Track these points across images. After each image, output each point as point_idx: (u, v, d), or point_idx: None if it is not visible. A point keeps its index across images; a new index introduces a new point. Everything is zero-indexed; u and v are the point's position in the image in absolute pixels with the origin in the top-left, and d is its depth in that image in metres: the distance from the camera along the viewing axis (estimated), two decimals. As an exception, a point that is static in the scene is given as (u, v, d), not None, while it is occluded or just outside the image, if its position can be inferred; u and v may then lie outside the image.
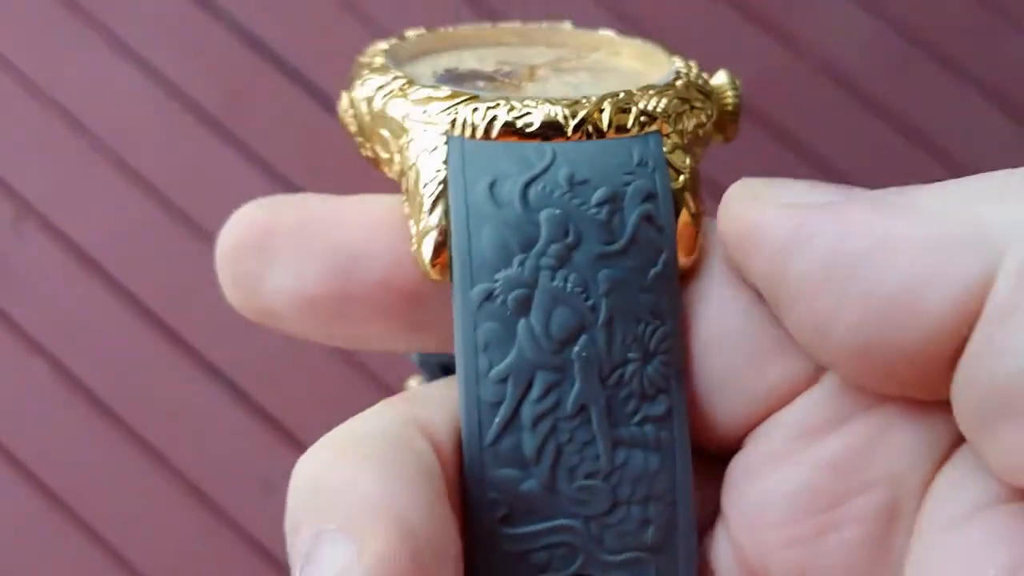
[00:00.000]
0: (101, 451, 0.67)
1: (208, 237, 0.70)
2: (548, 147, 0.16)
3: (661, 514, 0.16)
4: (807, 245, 0.15)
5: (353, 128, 0.18)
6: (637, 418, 0.16)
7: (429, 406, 0.17)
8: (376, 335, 0.17)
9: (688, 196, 0.17)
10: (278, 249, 0.17)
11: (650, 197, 0.16)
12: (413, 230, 0.16)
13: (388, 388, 0.65)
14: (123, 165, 0.72)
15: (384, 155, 0.18)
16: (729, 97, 0.18)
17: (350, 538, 0.14)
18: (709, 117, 0.18)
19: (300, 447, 0.70)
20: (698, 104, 0.18)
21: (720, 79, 0.18)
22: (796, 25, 0.75)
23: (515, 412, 0.16)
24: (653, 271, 0.16)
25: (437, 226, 0.16)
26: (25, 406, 0.68)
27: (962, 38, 0.75)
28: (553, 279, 0.16)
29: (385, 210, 0.17)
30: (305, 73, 0.73)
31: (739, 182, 0.16)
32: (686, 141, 0.17)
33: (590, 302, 0.16)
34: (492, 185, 0.16)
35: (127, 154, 0.72)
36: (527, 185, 0.16)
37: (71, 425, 0.67)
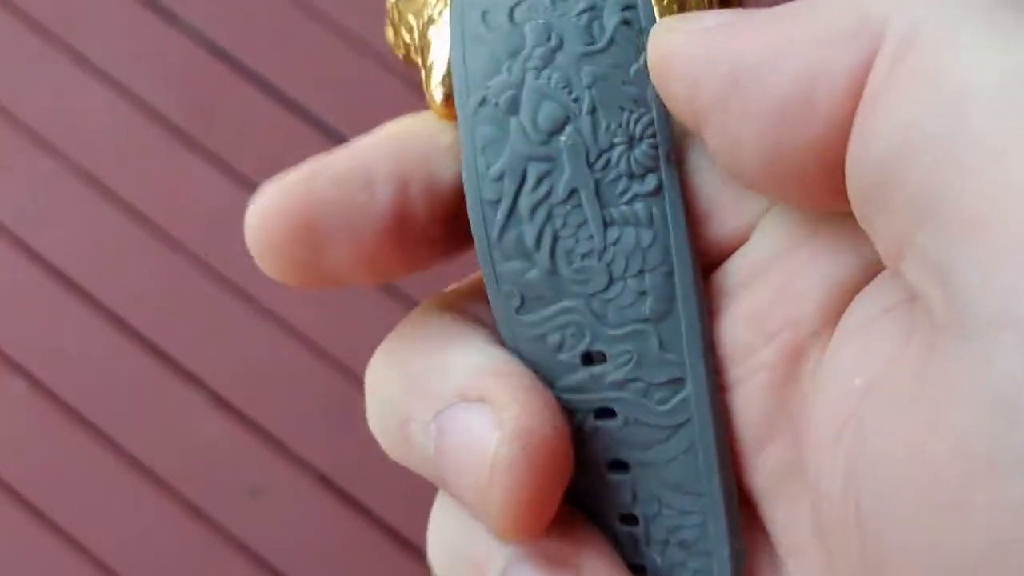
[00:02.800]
0: (85, 465, 0.67)
1: (182, 248, 0.70)
2: None
3: (657, 285, 0.17)
4: (712, 65, 0.15)
5: (391, 33, 0.20)
6: (627, 197, 0.17)
7: (455, 290, 0.19)
8: (428, 260, 0.18)
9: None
10: (328, 224, 0.17)
11: (629, 7, 0.18)
12: (423, 75, 0.18)
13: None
14: (93, 181, 0.71)
15: (407, 38, 0.20)
16: None
17: (477, 404, 0.16)
18: None
19: (284, 452, 0.70)
20: None
21: None
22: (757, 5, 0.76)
23: (513, 205, 0.17)
24: (634, 67, 0.17)
25: (444, 65, 0.18)
26: (5, 426, 0.68)
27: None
28: (538, 78, 0.17)
29: (394, 142, 0.18)
30: (271, 80, 0.73)
31: (661, 20, 0.17)
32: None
33: (573, 95, 0.17)
34: (484, 14, 0.18)
35: (97, 170, 0.71)
36: (513, 8, 0.18)
37: (54, 442, 0.67)
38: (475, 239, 0.18)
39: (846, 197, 0.15)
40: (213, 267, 0.70)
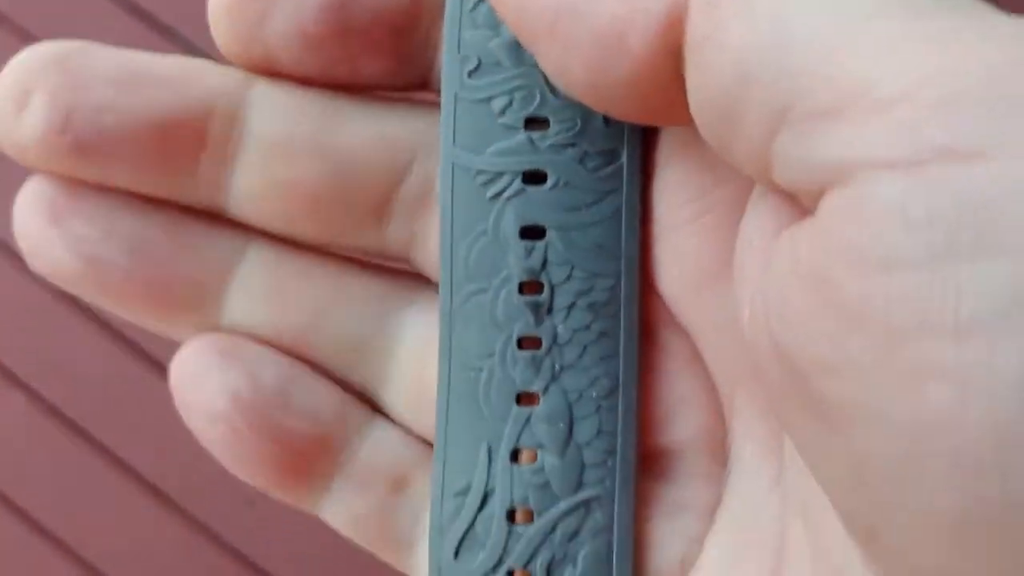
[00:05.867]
0: (83, 477, 0.67)
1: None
2: None
3: None
4: None
5: None
6: None
7: None
8: (370, 69, 0.19)
9: None
10: None
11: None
12: None
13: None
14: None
15: None
16: None
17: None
18: None
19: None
20: None
21: None
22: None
23: None
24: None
25: None
26: (3, 439, 0.68)
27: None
28: None
29: None
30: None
31: None
32: None
33: None
34: None
35: (94, 183, 0.71)
36: None
37: (52, 454, 0.67)
38: (448, 9, 0.19)
39: (685, 115, 0.16)
40: (209, 279, 0.70)
